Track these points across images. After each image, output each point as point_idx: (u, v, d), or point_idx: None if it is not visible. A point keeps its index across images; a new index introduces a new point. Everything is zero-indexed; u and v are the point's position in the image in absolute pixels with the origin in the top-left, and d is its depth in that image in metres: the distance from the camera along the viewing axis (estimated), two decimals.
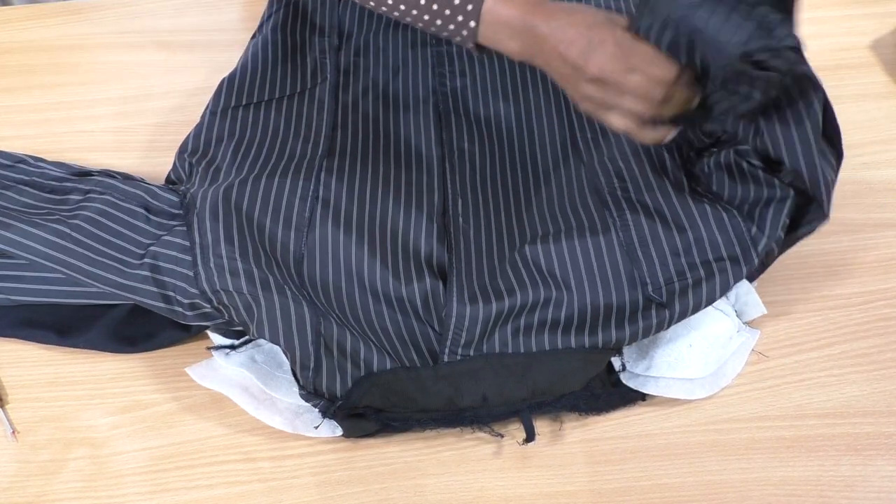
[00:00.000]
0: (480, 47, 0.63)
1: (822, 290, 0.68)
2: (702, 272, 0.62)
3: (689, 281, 0.62)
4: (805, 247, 0.71)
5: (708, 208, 0.65)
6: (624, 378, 0.61)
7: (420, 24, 0.64)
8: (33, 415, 0.63)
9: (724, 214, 0.64)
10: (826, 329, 0.66)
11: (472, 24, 0.61)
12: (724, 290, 0.62)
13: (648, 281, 0.62)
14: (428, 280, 0.63)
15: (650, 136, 0.62)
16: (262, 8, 0.83)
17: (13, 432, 0.62)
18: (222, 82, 0.76)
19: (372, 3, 0.64)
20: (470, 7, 0.60)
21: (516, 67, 0.79)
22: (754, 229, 0.63)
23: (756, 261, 0.62)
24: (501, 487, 0.59)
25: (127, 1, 0.91)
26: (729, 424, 0.62)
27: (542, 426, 0.62)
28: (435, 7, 0.61)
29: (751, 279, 0.65)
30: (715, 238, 0.64)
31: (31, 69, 0.85)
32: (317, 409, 0.59)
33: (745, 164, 0.64)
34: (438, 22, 0.62)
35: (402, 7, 0.63)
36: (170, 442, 0.61)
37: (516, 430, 0.61)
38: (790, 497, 0.58)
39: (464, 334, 0.61)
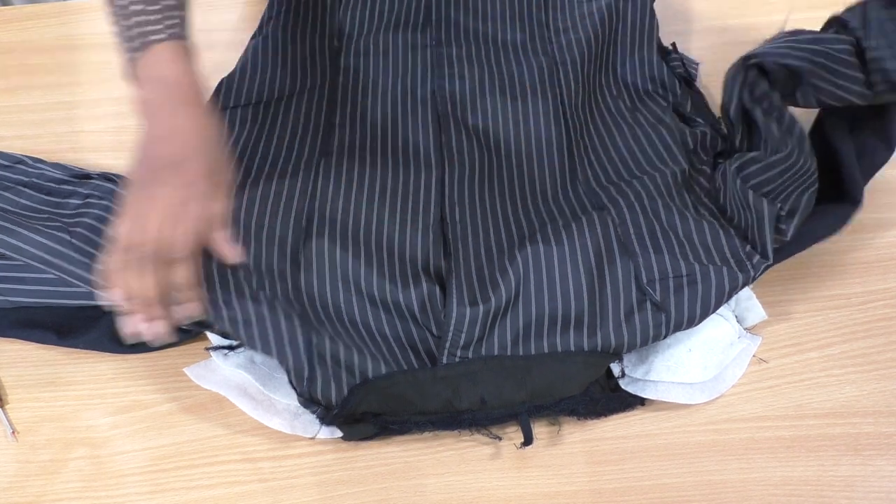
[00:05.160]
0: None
1: (822, 290, 0.68)
2: (697, 270, 0.62)
3: (684, 279, 0.62)
4: None
5: (704, 223, 0.66)
6: (623, 384, 0.61)
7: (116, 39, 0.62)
8: (33, 415, 0.63)
9: (721, 231, 0.65)
10: (826, 329, 0.66)
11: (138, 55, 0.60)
12: (720, 295, 0.62)
13: (643, 271, 0.62)
14: (425, 285, 0.63)
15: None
16: (262, 8, 0.83)
17: (13, 432, 0.62)
18: (221, 82, 0.75)
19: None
20: (139, 42, 0.59)
21: (514, 72, 0.79)
22: (748, 248, 0.64)
23: (752, 273, 0.63)
24: (501, 487, 0.59)
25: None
26: (729, 424, 0.62)
27: (541, 426, 0.62)
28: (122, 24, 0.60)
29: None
30: (707, 243, 0.65)
31: (31, 69, 0.85)
32: (314, 415, 0.59)
33: (747, 189, 0.64)
34: (119, 40, 0.61)
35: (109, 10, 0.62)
36: (170, 442, 0.62)
37: (515, 433, 0.61)
38: (790, 497, 0.58)
39: (463, 335, 0.61)
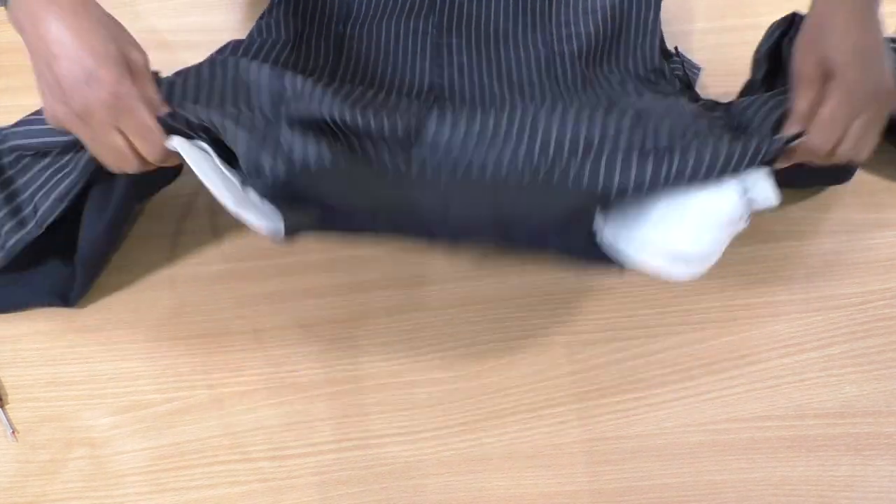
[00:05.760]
0: None
1: (822, 290, 0.68)
2: (706, 131, 0.59)
3: (694, 135, 0.58)
4: (805, 247, 0.71)
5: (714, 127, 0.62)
6: (605, 234, 0.57)
7: None
8: (33, 415, 0.63)
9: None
10: (826, 329, 0.66)
11: None
12: (730, 155, 0.55)
13: (651, 133, 0.58)
14: (412, 106, 0.63)
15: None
16: (262, 8, 0.83)
17: (13, 432, 0.62)
18: (228, 43, 0.73)
19: None
20: None
21: (513, 62, 0.79)
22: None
23: (765, 146, 0.56)
24: (501, 487, 0.59)
25: (127, 1, 0.91)
26: (729, 424, 0.62)
27: (541, 426, 0.62)
28: None
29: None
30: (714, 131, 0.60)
31: (31, 69, 0.84)
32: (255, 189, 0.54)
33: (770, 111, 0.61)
34: None
35: None
36: (170, 442, 0.62)
37: (512, 433, 0.61)
38: (790, 497, 0.58)
39: (440, 155, 0.58)
